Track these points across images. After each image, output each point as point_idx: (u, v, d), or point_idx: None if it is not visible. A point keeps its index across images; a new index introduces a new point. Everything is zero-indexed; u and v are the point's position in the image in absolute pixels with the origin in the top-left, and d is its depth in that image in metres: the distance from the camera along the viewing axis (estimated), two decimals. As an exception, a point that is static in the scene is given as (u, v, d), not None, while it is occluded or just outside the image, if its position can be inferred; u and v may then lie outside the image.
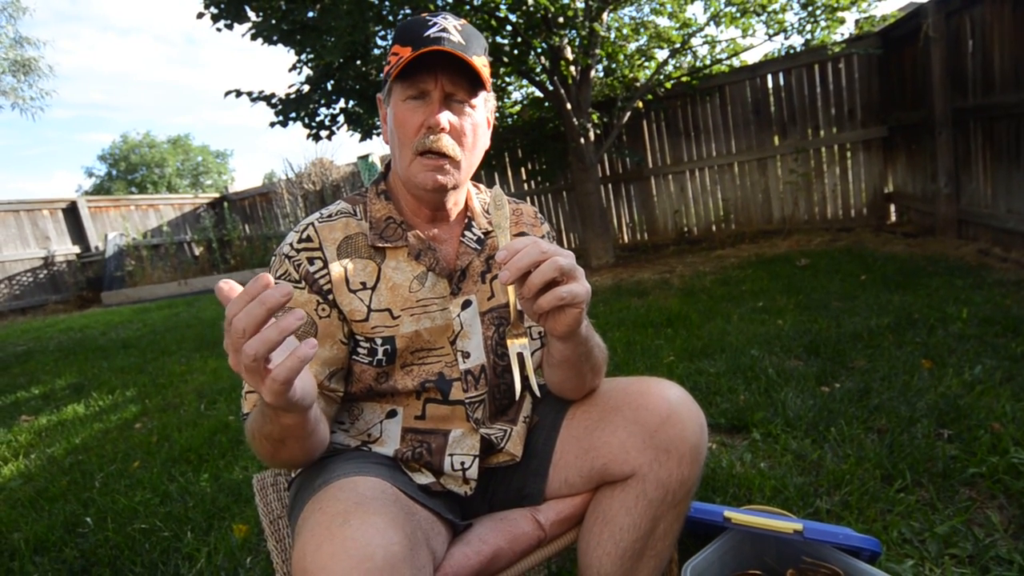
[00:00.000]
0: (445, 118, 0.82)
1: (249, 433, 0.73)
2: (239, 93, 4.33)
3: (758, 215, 6.14)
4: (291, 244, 0.87)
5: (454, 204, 0.93)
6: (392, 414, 0.90)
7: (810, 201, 5.92)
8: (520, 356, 0.74)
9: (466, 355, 0.90)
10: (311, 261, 0.85)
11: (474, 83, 0.83)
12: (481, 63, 0.82)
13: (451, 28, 0.81)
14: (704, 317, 3.47)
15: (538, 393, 0.75)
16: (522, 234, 1.00)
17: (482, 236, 0.94)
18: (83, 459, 2.62)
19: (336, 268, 0.85)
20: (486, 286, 0.93)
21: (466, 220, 0.95)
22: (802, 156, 5.87)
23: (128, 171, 33.47)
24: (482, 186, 1.04)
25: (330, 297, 0.84)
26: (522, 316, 0.82)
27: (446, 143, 0.83)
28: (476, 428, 0.91)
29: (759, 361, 2.64)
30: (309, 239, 0.87)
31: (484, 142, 0.90)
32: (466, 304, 0.90)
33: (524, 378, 0.86)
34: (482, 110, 0.88)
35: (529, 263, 0.63)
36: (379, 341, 0.85)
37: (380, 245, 0.88)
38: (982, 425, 1.75)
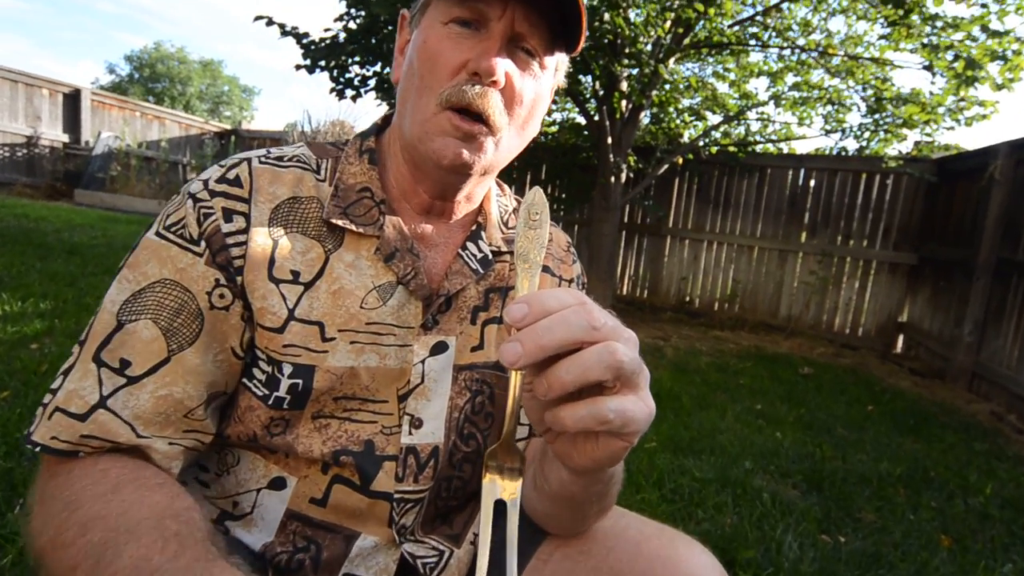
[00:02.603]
0: (502, 67, 0.59)
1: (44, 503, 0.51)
2: (270, 21, 3.99)
3: (765, 306, 5.97)
4: (207, 181, 0.62)
5: (467, 198, 0.71)
6: (278, 484, 0.64)
7: (821, 307, 5.74)
8: (500, 506, 0.46)
9: (417, 423, 0.66)
10: (228, 215, 0.61)
11: (558, 33, 0.62)
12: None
13: None
14: (696, 403, 3.14)
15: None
16: (547, 272, 0.78)
17: (490, 255, 0.71)
18: (-53, 371, 2.16)
19: (262, 238, 0.61)
20: (475, 329, 0.69)
21: (474, 226, 0.72)
22: (825, 260, 5.68)
23: (151, 79, 32.83)
24: (507, 188, 0.81)
25: (238, 280, 0.60)
26: (515, 426, 0.48)
27: (493, 102, 0.60)
28: (398, 541, 0.66)
29: (752, 477, 2.29)
30: (237, 181, 0.63)
31: (537, 124, 0.68)
32: (439, 348, 0.67)
33: (499, 549, 0.47)
34: (551, 78, 0.67)
35: (564, 340, 0.39)
36: (287, 369, 0.61)
37: (339, 223, 0.64)
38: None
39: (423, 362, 0.66)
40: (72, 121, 9.51)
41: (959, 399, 3.97)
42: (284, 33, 4.09)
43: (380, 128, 0.73)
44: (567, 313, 0.40)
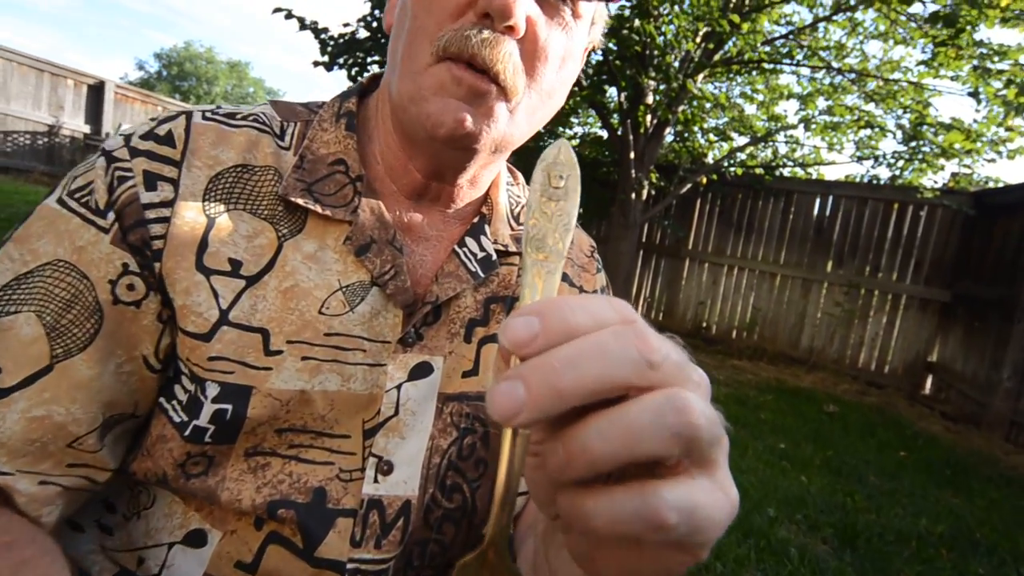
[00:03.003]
0: (523, 8, 0.49)
1: None
2: (289, 14, 3.92)
3: (786, 336, 5.79)
4: (129, 137, 0.53)
5: (470, 182, 0.61)
6: (197, 539, 0.53)
7: (845, 341, 5.52)
8: None
9: (385, 468, 0.56)
10: (151, 182, 0.51)
11: None
12: None
13: None
14: (715, 439, 2.91)
15: None
16: (562, 280, 0.69)
17: (494, 255, 0.62)
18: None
19: (192, 214, 0.52)
20: (470, 348, 0.60)
21: (477, 218, 0.63)
22: (852, 292, 5.48)
23: (179, 77, 33.59)
24: (521, 176, 0.72)
25: (156, 267, 0.51)
26: (510, 518, 0.33)
27: (506, 54, 0.50)
28: None
29: (777, 527, 2.06)
30: (169, 139, 0.53)
31: (564, 92, 0.58)
32: (421, 370, 0.57)
33: None
34: (585, 32, 0.56)
35: (599, 383, 0.26)
36: (212, 390, 0.51)
37: (299, 202, 0.55)
38: None
39: (399, 388, 0.56)
40: (94, 113, 9.57)
41: (997, 448, 3.72)
42: (303, 27, 4.04)
43: (366, 89, 0.64)
44: (605, 337, 0.27)
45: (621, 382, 0.27)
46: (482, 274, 0.61)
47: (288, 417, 0.53)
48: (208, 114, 0.56)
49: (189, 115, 0.55)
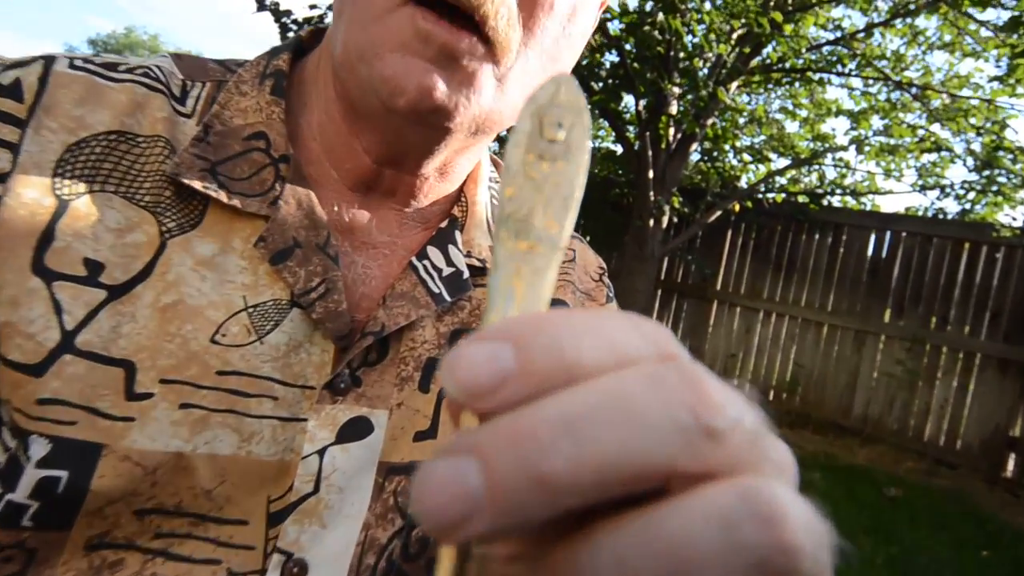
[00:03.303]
0: None
1: None
2: None
3: (835, 400, 5.74)
4: None
5: (439, 172, 0.59)
6: None
7: (907, 409, 5.45)
8: None
9: (297, 571, 0.52)
10: None
11: None
12: None
13: None
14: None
15: None
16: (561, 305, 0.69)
17: (466, 272, 0.60)
18: None
19: (33, 192, 0.49)
20: (426, 400, 0.58)
21: (446, 222, 0.61)
22: (915, 348, 5.43)
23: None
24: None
25: None
26: None
27: None
28: None
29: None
30: (15, 91, 0.50)
31: (573, 53, 0.56)
32: (356, 429, 0.55)
33: None
34: None
35: (620, 466, 0.21)
36: (39, 449, 0.46)
37: (196, 186, 0.52)
38: None
39: (322, 453, 0.54)
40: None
41: (1102, 550, 3.54)
42: (261, 7, 4.05)
43: (306, 46, 0.62)
44: (631, 382, 0.22)
45: (659, 466, 0.21)
46: (448, 297, 0.59)
47: (155, 492, 0.49)
48: (79, 62, 0.53)
49: (50, 61, 0.52)
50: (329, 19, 4.21)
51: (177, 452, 0.50)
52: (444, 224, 0.61)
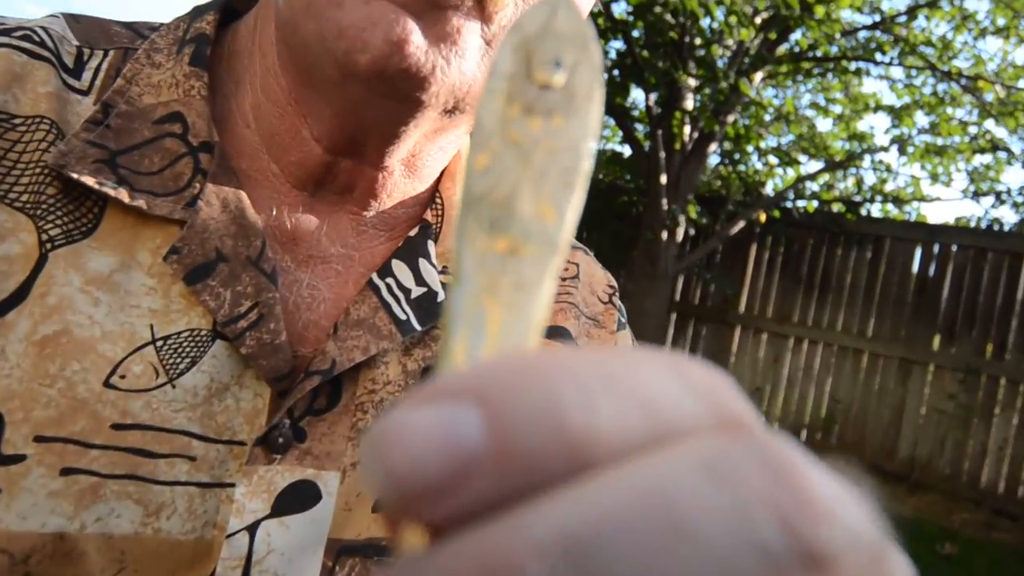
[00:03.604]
0: None
1: None
2: None
3: (877, 440, 5.75)
4: None
5: (406, 163, 0.56)
6: None
7: (961, 449, 5.47)
8: None
9: None
10: None
11: None
12: None
13: None
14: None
15: None
16: (560, 336, 0.64)
17: (441, 294, 0.58)
18: None
19: None
20: None
21: (416, 229, 0.59)
22: (969, 380, 5.47)
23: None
24: None
25: None
26: None
27: None
28: None
29: None
30: None
31: (587, 2, 0.54)
32: (296, 496, 0.51)
33: None
34: None
35: None
36: None
37: (89, 183, 0.48)
38: None
39: (253, 529, 0.50)
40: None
41: None
42: None
43: (236, 5, 0.59)
44: (676, 474, 0.15)
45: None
46: (417, 325, 0.55)
47: None
48: None
49: None
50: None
51: (58, 532, 0.46)
52: (414, 232, 0.58)
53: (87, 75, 0.53)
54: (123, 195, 0.48)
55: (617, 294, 0.72)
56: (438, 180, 0.60)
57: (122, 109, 0.51)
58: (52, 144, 0.49)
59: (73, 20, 0.55)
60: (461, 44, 0.46)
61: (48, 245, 0.48)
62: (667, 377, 0.17)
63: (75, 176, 0.47)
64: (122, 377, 0.48)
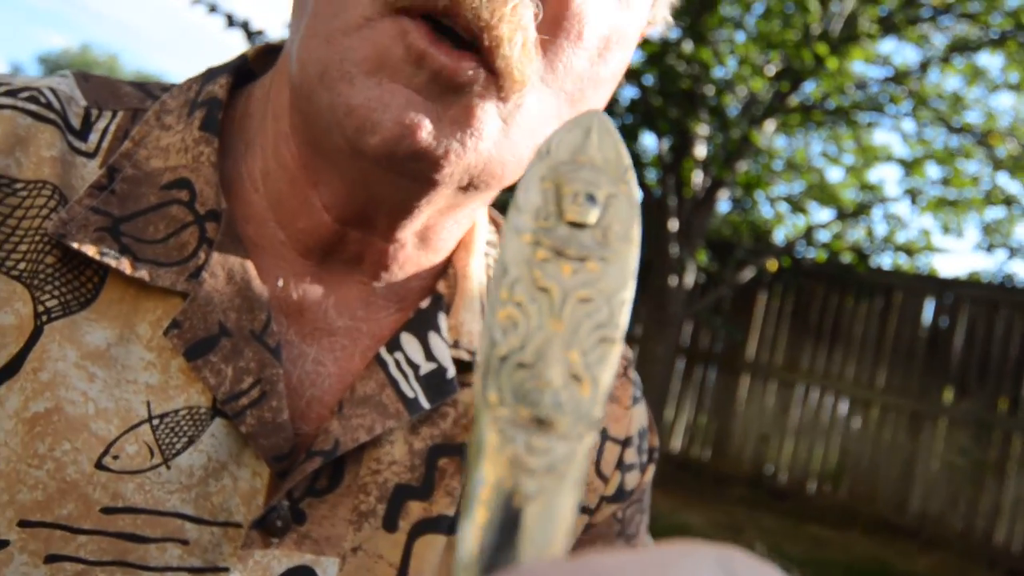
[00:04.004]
0: None
1: None
2: (213, 8, 4.02)
3: (886, 495, 5.67)
4: None
5: (419, 236, 0.55)
6: None
7: (974, 506, 5.41)
8: None
9: None
10: None
11: None
12: None
13: None
14: (792, 655, 2.72)
15: None
16: None
17: (451, 370, 0.55)
18: None
19: None
20: (393, 541, 0.54)
21: (427, 301, 0.57)
22: (981, 434, 5.44)
23: (67, 89, 35.90)
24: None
25: None
26: None
27: (513, 8, 0.43)
28: None
29: None
30: None
31: (604, 92, 0.53)
32: None
33: None
34: (647, 5, 0.53)
35: None
36: None
37: (89, 252, 0.47)
38: None
39: None
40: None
41: None
42: (231, 24, 4.14)
43: (252, 68, 0.59)
44: None
45: None
46: (426, 403, 0.53)
47: None
48: None
49: None
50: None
51: None
52: (425, 304, 0.56)
53: (94, 137, 0.52)
54: (125, 265, 0.47)
55: (632, 366, 0.70)
56: (453, 252, 0.59)
57: (128, 173, 0.50)
58: (53, 211, 0.48)
59: (83, 79, 0.54)
60: (476, 125, 0.45)
61: (44, 317, 0.47)
62: None
63: (75, 246, 0.46)
64: (115, 458, 0.46)
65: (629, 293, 0.21)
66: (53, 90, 0.51)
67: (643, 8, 0.52)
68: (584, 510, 0.61)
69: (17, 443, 0.45)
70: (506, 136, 0.47)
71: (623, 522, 0.65)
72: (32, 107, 0.50)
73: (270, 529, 0.49)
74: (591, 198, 0.22)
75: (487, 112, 0.45)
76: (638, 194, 0.23)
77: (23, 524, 0.44)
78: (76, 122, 0.52)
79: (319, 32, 0.45)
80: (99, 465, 0.46)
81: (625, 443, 0.64)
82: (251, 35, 4.26)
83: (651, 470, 0.68)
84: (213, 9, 4.02)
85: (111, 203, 0.49)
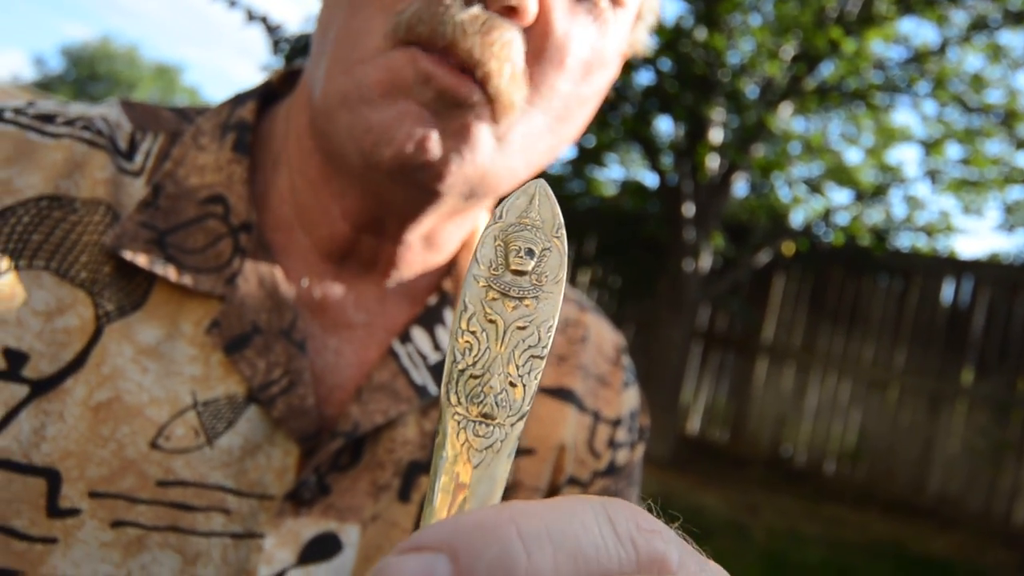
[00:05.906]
0: None
1: None
2: (233, 2, 4.06)
3: (906, 475, 5.65)
4: None
5: (425, 240, 0.60)
6: None
7: (994, 487, 5.36)
8: None
9: None
10: None
11: None
12: None
13: None
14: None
15: None
16: (565, 399, 0.68)
17: None
18: None
19: None
20: (407, 512, 0.58)
21: (435, 298, 0.62)
22: (1001, 415, 5.39)
23: (90, 78, 35.42)
24: None
25: None
26: None
27: (502, 44, 0.49)
28: None
29: None
30: None
31: (586, 110, 0.60)
32: (321, 547, 0.55)
33: None
34: (626, 28, 0.59)
35: None
36: None
37: (140, 262, 0.52)
38: None
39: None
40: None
41: None
42: (251, 18, 4.19)
43: (276, 92, 0.64)
44: None
45: None
46: (434, 390, 0.59)
47: None
48: (8, 114, 0.53)
49: None
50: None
51: None
52: (433, 300, 0.62)
53: (139, 158, 0.57)
54: (171, 273, 0.52)
55: (626, 352, 0.75)
56: (457, 253, 0.64)
57: (170, 191, 0.55)
58: (108, 226, 0.53)
59: (128, 107, 0.60)
60: (473, 139, 0.51)
61: (104, 319, 0.51)
62: (598, 524, 0.22)
63: (128, 256, 0.51)
64: (166, 439, 0.51)
65: (555, 320, 0.28)
66: (104, 119, 0.57)
67: (623, 34, 0.58)
68: (578, 483, 0.66)
69: (85, 427, 0.49)
70: (500, 152, 0.53)
71: (615, 495, 0.69)
72: (86, 135, 0.55)
73: (300, 500, 0.54)
74: (530, 252, 0.29)
75: (483, 130, 0.51)
76: (565, 247, 0.29)
77: (92, 495, 0.49)
78: (123, 145, 0.57)
79: (339, 62, 0.51)
80: (153, 445, 0.51)
81: (616, 423, 0.70)
82: (270, 29, 4.31)
83: (641, 447, 0.74)
84: (233, 3, 4.09)
85: (156, 217, 0.54)
